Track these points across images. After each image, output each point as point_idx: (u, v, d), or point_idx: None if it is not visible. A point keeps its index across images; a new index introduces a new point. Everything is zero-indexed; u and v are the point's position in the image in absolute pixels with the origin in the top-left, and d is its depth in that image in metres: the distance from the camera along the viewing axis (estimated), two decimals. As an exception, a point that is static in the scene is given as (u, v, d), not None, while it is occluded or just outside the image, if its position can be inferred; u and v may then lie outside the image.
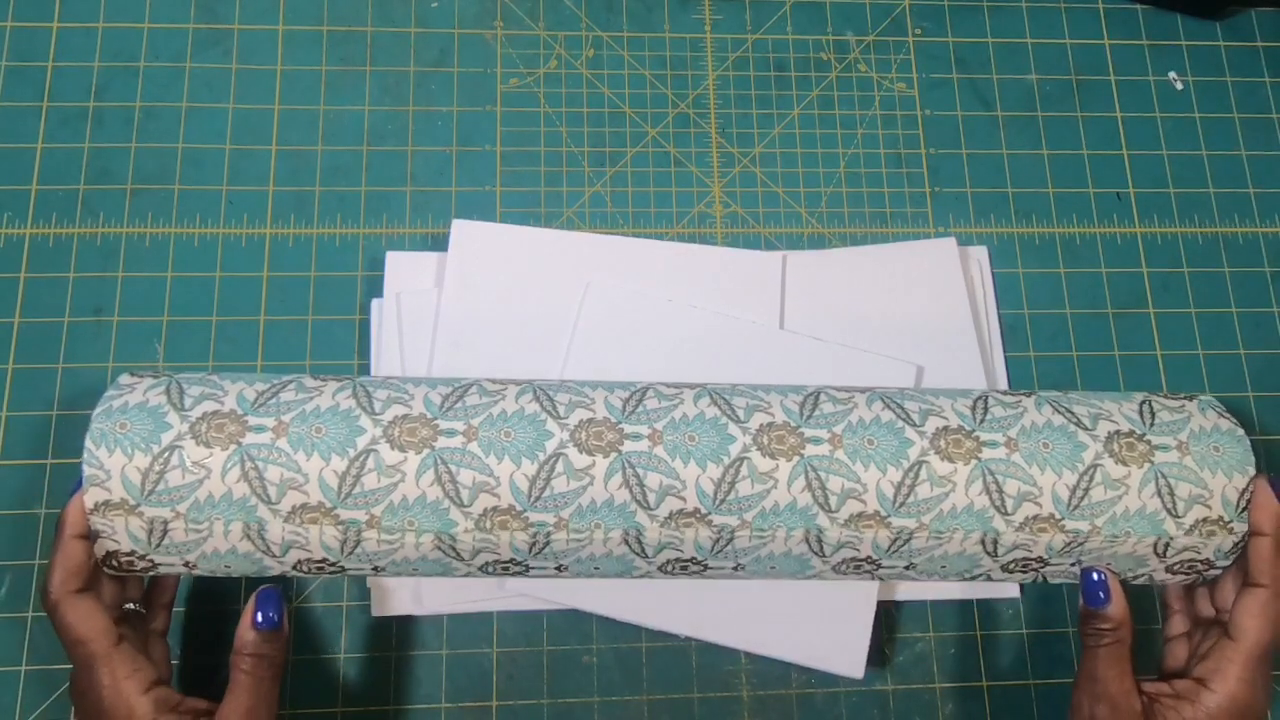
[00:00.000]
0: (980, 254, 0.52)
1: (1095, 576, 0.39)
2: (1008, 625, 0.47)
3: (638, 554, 0.39)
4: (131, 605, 0.39)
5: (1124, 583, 0.40)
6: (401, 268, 0.49)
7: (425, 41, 0.54)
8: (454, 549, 0.38)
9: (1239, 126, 0.56)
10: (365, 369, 0.48)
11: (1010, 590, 0.47)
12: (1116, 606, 0.39)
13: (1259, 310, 0.53)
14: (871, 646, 0.45)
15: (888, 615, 0.47)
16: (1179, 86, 0.56)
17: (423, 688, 0.45)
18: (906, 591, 0.47)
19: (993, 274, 0.52)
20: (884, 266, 0.51)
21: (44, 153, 0.50)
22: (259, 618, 0.37)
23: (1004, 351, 0.51)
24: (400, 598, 0.45)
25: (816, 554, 0.39)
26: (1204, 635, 0.41)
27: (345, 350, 0.49)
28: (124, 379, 0.39)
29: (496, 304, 0.48)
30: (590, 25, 0.55)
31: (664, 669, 0.46)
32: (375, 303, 0.49)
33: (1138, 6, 0.58)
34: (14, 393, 0.47)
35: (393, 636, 0.45)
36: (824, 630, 0.45)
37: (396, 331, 0.48)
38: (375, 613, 0.45)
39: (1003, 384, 0.50)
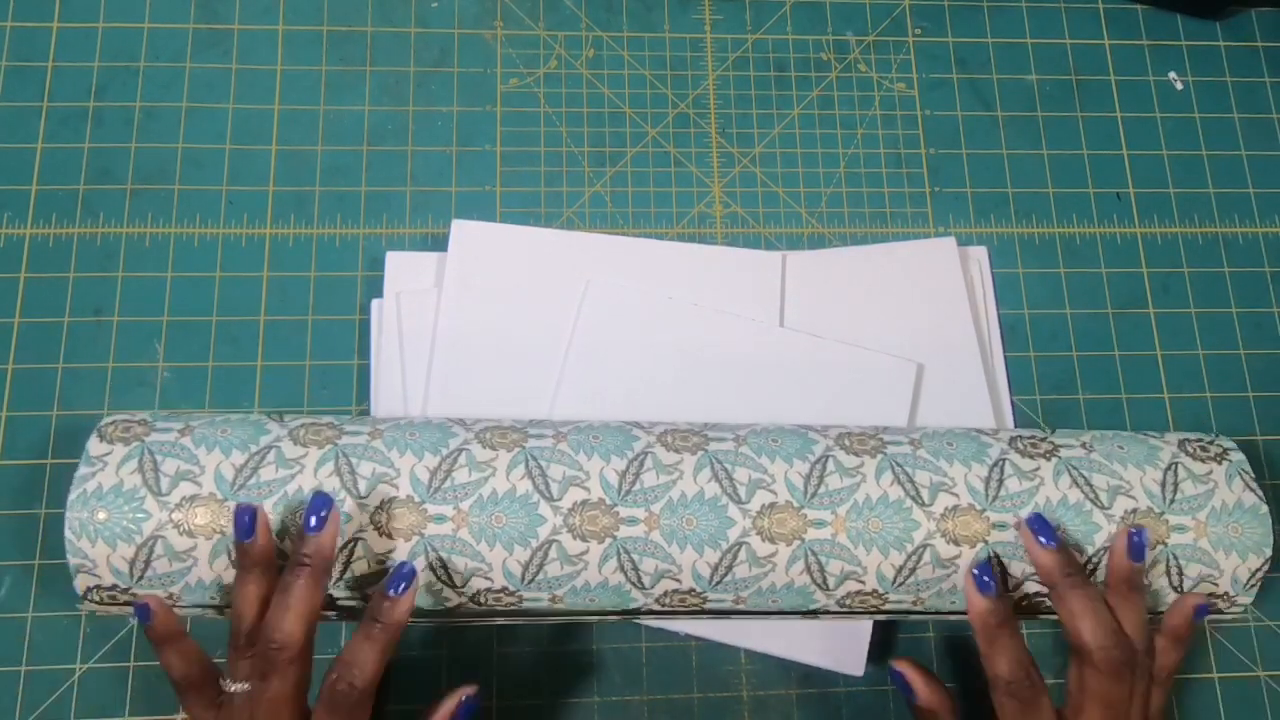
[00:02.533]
0: (980, 254, 0.52)
1: (894, 669, 0.40)
2: (1008, 625, 0.47)
3: (635, 585, 0.39)
4: None
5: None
6: (401, 268, 0.49)
7: (425, 41, 0.54)
8: (449, 613, 0.39)
9: (1239, 126, 0.56)
10: (365, 369, 0.48)
11: (1010, 590, 0.47)
12: (924, 697, 0.39)
13: (1259, 310, 0.53)
14: (871, 644, 0.45)
15: (888, 615, 0.47)
16: (1179, 86, 0.56)
17: (423, 688, 0.45)
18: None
19: (993, 274, 0.52)
20: (884, 266, 0.51)
21: (44, 153, 0.50)
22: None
23: (1004, 351, 0.51)
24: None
25: (811, 619, 0.40)
26: None
27: (345, 350, 0.49)
28: (94, 447, 0.38)
29: (496, 304, 0.48)
30: (590, 25, 0.55)
31: (664, 669, 0.46)
32: (375, 303, 0.49)
33: (1138, 6, 0.58)
34: (14, 393, 0.47)
35: (393, 636, 0.45)
36: (825, 628, 0.45)
37: (396, 332, 0.48)
38: (375, 613, 0.45)
39: (1003, 384, 0.50)
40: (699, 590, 0.38)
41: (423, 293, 0.48)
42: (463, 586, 0.38)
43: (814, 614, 0.40)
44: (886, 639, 0.46)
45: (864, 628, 0.45)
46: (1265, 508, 0.40)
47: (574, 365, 0.47)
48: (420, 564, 0.37)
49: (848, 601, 0.39)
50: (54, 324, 0.48)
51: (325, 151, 0.52)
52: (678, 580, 0.38)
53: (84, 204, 0.50)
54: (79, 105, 0.51)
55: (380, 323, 0.48)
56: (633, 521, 0.37)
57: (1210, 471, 0.40)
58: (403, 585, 0.36)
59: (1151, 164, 0.55)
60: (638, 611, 0.39)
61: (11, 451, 0.46)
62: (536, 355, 0.48)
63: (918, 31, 0.56)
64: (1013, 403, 0.50)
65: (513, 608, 0.39)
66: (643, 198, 0.52)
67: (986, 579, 0.38)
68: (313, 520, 0.36)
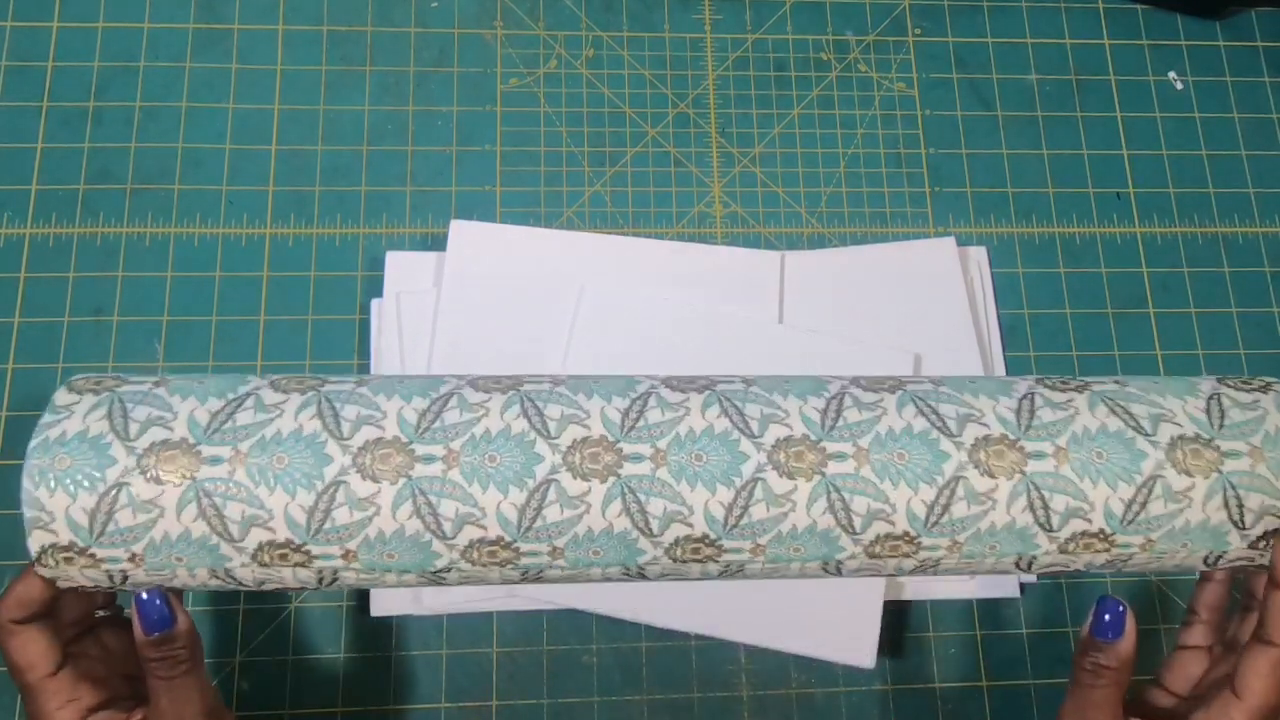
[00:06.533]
0: (980, 254, 0.52)
1: (1113, 610, 0.36)
2: (1008, 625, 0.47)
3: (643, 531, 0.35)
4: (104, 612, 0.37)
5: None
6: (401, 268, 0.49)
7: (425, 41, 0.54)
8: (437, 575, 0.36)
9: (1239, 126, 0.56)
10: (365, 369, 0.48)
11: (1011, 590, 0.47)
12: (1127, 645, 0.36)
13: (1259, 310, 0.53)
14: (880, 636, 0.45)
15: (889, 614, 0.47)
16: (1179, 86, 0.56)
17: (423, 688, 0.45)
18: (908, 591, 0.47)
19: (992, 274, 0.52)
20: (883, 266, 0.51)
21: (44, 153, 0.50)
22: (144, 627, 0.34)
23: (1004, 351, 0.51)
24: (400, 597, 0.45)
25: (834, 575, 0.37)
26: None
27: (345, 350, 0.49)
28: (60, 397, 0.35)
29: (495, 304, 0.48)
30: (590, 25, 0.55)
31: (664, 669, 0.46)
32: (375, 303, 0.49)
33: (1138, 6, 0.58)
34: (14, 393, 0.47)
35: (393, 636, 0.45)
36: (832, 621, 0.45)
37: (396, 331, 0.48)
38: (375, 613, 0.45)
39: (1003, 384, 0.50)
40: (713, 537, 0.35)
41: (423, 293, 0.49)
42: (453, 538, 0.34)
43: (839, 570, 0.36)
44: (895, 637, 0.46)
45: (873, 618, 0.45)
46: None
47: (574, 365, 0.47)
48: (407, 510, 0.33)
49: (876, 549, 0.35)
50: (54, 324, 0.48)
51: (325, 151, 0.52)
52: (689, 525, 0.34)
53: (84, 204, 0.50)
54: (79, 105, 0.51)
55: (380, 323, 0.48)
56: (638, 459, 0.34)
57: (1257, 400, 0.37)
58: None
59: (1151, 164, 0.55)
60: (644, 570, 0.36)
61: (11, 451, 0.46)
62: (536, 355, 0.48)
63: (918, 31, 0.56)
64: (1013, 403, 0.50)
65: (509, 563, 0.35)
66: (643, 198, 0.52)
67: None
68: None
